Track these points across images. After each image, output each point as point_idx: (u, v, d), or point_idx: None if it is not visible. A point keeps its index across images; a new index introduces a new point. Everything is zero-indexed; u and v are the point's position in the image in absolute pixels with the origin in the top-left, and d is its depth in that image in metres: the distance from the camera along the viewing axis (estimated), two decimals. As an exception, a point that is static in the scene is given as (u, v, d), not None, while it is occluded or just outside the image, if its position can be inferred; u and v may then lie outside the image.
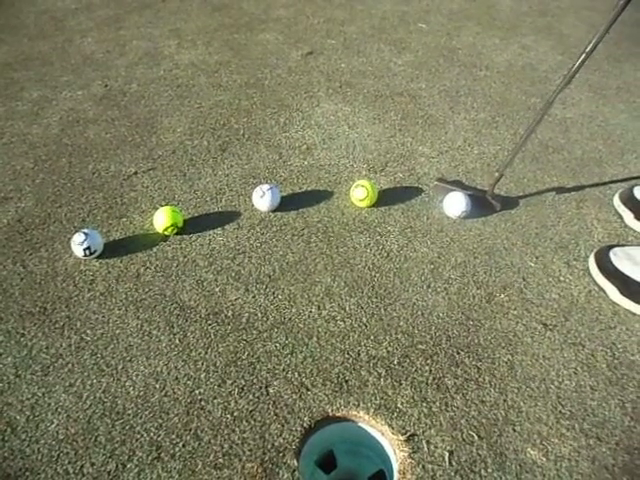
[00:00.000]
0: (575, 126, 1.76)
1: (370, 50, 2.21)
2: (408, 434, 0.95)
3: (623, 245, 1.29)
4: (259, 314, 1.16)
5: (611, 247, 1.27)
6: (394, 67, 2.09)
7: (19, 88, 1.94)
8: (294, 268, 1.27)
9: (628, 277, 1.20)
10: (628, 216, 1.40)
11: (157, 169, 1.56)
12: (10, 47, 2.22)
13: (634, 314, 1.18)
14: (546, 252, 1.31)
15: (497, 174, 1.38)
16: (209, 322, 1.15)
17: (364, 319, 1.15)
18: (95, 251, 1.26)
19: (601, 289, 1.23)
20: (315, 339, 1.11)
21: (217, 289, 1.22)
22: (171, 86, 1.96)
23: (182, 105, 1.85)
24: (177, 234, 1.35)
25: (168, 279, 1.24)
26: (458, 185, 1.47)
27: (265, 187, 1.38)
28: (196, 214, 1.41)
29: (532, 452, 0.94)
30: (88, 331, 1.13)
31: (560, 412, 0.99)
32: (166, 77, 2.02)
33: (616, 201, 1.45)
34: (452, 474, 0.90)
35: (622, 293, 1.20)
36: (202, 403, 1.00)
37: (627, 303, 1.19)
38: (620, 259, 1.23)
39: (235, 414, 0.98)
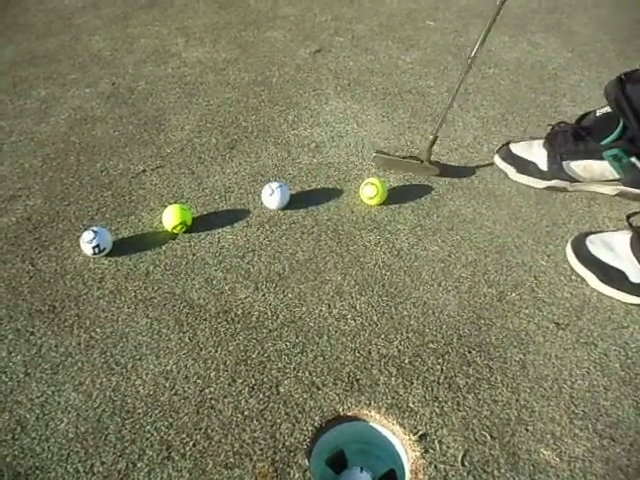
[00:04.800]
0: (586, 124, 1.74)
1: (378, 48, 2.20)
2: (420, 434, 0.95)
3: (598, 232, 1.30)
4: (269, 312, 1.16)
5: (587, 235, 1.28)
6: (402, 65, 2.08)
7: (27, 86, 1.94)
8: (304, 266, 1.26)
9: (606, 264, 1.21)
10: None
11: (165, 167, 1.56)
12: (18, 45, 2.22)
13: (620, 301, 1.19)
14: (557, 251, 1.30)
15: (431, 137, 1.44)
16: (219, 321, 1.14)
17: (375, 318, 1.15)
18: (104, 249, 1.26)
19: (580, 277, 1.24)
20: (326, 338, 1.11)
21: (227, 287, 1.21)
22: (179, 84, 1.96)
23: (190, 103, 1.85)
24: (186, 232, 1.34)
25: (177, 277, 1.24)
26: (398, 156, 1.53)
27: (274, 185, 1.38)
28: (205, 212, 1.41)
29: (545, 452, 0.93)
30: (97, 329, 1.13)
31: (573, 412, 0.98)
32: (174, 75, 2.01)
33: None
34: (465, 474, 0.90)
35: (601, 280, 1.21)
36: (212, 402, 1.00)
37: (607, 289, 1.20)
38: (596, 246, 1.24)
39: (245, 413, 0.98)
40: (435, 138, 1.44)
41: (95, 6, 2.57)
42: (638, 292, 1.18)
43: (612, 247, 1.23)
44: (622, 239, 1.23)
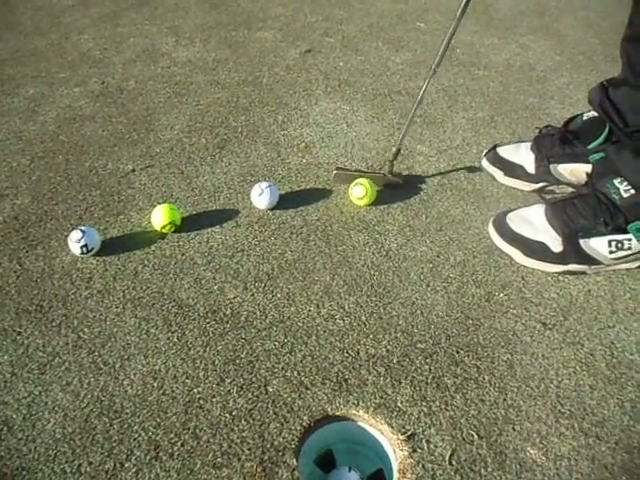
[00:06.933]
0: (573, 126, 1.76)
1: (368, 48, 2.21)
2: (408, 433, 0.95)
3: (515, 209, 1.35)
4: (258, 312, 1.16)
5: (506, 213, 1.34)
6: (392, 66, 2.09)
7: (15, 85, 1.93)
8: (293, 266, 1.26)
9: (527, 238, 1.27)
10: None
11: (155, 167, 1.55)
12: (6, 43, 2.20)
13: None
14: (545, 251, 1.31)
15: (394, 149, 1.42)
16: (207, 320, 1.14)
17: (363, 318, 1.15)
18: (92, 249, 1.26)
19: (506, 254, 1.30)
20: (314, 338, 1.11)
21: (215, 287, 1.21)
22: (169, 83, 1.95)
23: (180, 102, 1.84)
24: (175, 232, 1.34)
25: (166, 277, 1.23)
26: (358, 171, 1.50)
27: (264, 185, 1.38)
28: (194, 212, 1.40)
29: (532, 451, 0.93)
30: (85, 329, 1.12)
31: (559, 411, 0.99)
32: (164, 74, 2.01)
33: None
34: (452, 473, 0.90)
35: (525, 254, 1.26)
36: (201, 402, 0.99)
37: (532, 263, 1.26)
38: (516, 223, 1.30)
39: (234, 413, 0.98)
40: (398, 151, 1.42)
41: (84, 5, 2.56)
42: (560, 260, 1.24)
43: (530, 221, 1.29)
44: (538, 212, 1.30)
